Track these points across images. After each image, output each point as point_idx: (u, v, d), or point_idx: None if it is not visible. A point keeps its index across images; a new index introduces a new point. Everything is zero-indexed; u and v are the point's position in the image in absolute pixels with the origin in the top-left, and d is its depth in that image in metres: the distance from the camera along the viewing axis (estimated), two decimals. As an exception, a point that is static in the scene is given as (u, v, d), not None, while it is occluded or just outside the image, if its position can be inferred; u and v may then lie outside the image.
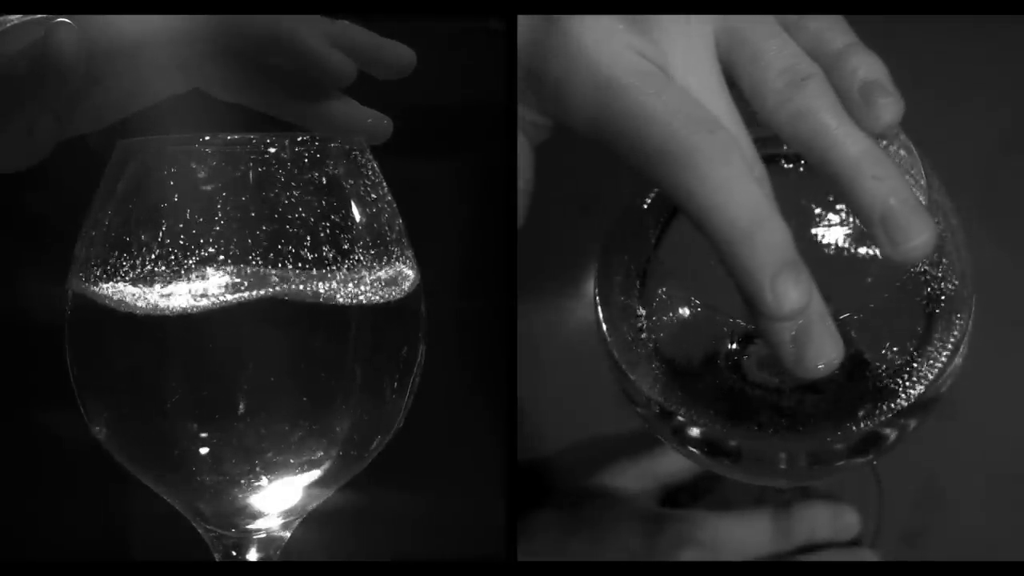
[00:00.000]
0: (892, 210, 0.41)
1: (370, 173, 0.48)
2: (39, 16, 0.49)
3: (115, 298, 0.45)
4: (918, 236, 0.41)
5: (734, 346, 0.47)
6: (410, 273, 0.49)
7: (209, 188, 0.45)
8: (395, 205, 0.49)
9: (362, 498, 0.56)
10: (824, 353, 0.40)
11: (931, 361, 0.47)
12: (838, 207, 0.52)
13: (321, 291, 0.45)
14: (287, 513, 0.48)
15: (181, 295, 0.45)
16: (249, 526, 0.48)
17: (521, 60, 0.44)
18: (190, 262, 0.45)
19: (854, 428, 0.47)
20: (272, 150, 0.46)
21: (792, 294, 0.39)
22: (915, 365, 0.47)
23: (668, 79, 0.42)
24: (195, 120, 0.51)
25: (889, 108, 0.42)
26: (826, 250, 0.53)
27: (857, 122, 0.42)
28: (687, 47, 0.43)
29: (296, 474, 0.47)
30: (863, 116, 0.42)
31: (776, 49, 0.43)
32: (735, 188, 0.39)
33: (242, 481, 0.46)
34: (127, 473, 0.49)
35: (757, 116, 0.43)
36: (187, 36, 0.48)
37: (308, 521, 0.50)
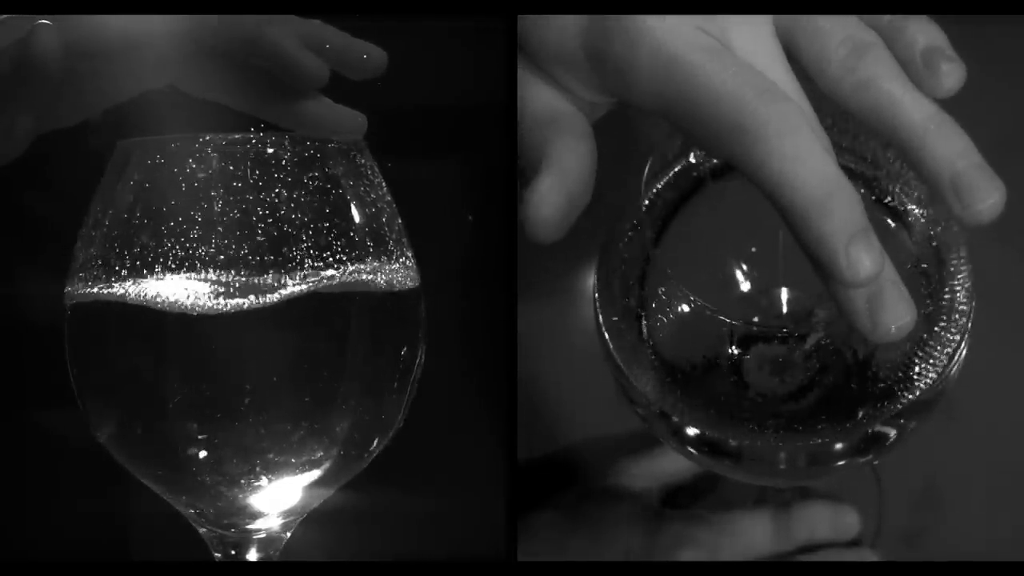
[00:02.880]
0: (961, 173, 0.41)
1: (370, 173, 0.48)
2: (17, 16, 0.49)
3: (114, 298, 0.45)
4: (988, 198, 0.41)
5: (734, 347, 0.47)
6: (410, 273, 0.49)
7: (209, 188, 0.45)
8: (395, 205, 0.49)
9: (362, 498, 0.56)
10: (898, 316, 0.40)
11: (931, 361, 0.47)
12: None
13: (320, 292, 0.45)
14: (287, 513, 0.48)
15: (180, 295, 0.45)
16: (249, 526, 0.48)
17: (581, 40, 0.44)
18: (189, 262, 0.45)
19: (854, 428, 0.47)
20: (272, 150, 0.46)
21: (866, 260, 0.39)
22: (915, 365, 0.47)
23: (732, 54, 0.42)
24: (195, 121, 0.51)
25: (952, 73, 0.43)
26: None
27: (920, 88, 0.43)
28: (746, 22, 0.43)
29: (296, 474, 0.47)
30: (926, 82, 0.43)
31: (834, 20, 0.43)
32: (807, 158, 0.40)
33: (242, 481, 0.46)
34: (127, 473, 0.49)
35: (820, 88, 0.44)
36: (165, 35, 0.48)
37: (308, 521, 0.50)
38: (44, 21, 0.46)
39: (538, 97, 0.46)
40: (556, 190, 0.43)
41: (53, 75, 0.46)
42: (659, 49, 0.42)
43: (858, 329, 0.41)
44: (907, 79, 0.43)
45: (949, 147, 0.42)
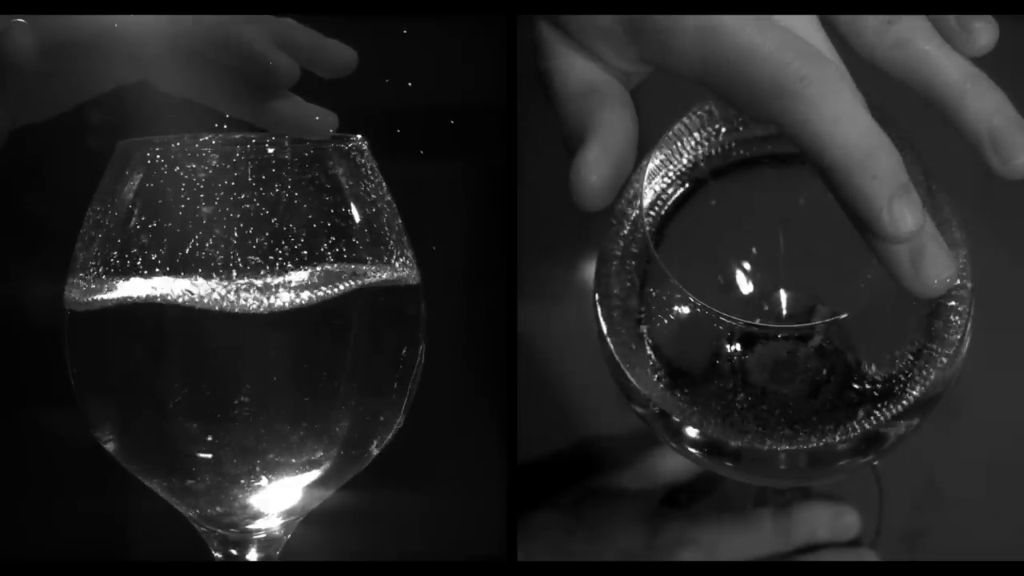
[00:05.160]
0: (999, 128, 0.42)
1: (370, 173, 0.48)
2: None
3: (114, 298, 0.46)
4: None
5: (734, 347, 0.47)
6: (410, 273, 0.49)
7: (209, 188, 0.45)
8: (395, 205, 0.49)
9: (362, 498, 0.56)
10: (940, 269, 0.41)
11: (931, 361, 0.47)
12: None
13: (320, 291, 0.45)
14: (287, 513, 0.48)
15: (180, 295, 0.45)
16: (249, 526, 0.48)
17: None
18: (189, 262, 0.45)
19: (854, 428, 0.47)
20: (272, 150, 0.46)
21: (908, 216, 0.40)
22: (915, 365, 0.47)
23: (769, 18, 0.43)
24: (194, 121, 0.51)
25: (986, 32, 0.44)
26: (826, 250, 0.53)
27: (954, 47, 0.44)
28: None
29: (296, 474, 0.47)
30: (960, 41, 0.44)
31: None
32: (848, 115, 0.40)
33: (242, 481, 0.46)
34: (127, 473, 0.49)
35: (856, 52, 0.44)
36: (136, 32, 0.48)
37: (309, 521, 0.50)
38: (18, 19, 0.46)
39: (576, 68, 0.46)
40: (603, 158, 0.44)
41: (28, 73, 0.46)
42: (698, 16, 0.43)
43: (902, 284, 0.41)
44: (941, 39, 0.44)
45: (986, 103, 0.43)
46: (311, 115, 0.48)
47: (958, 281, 0.42)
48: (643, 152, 0.48)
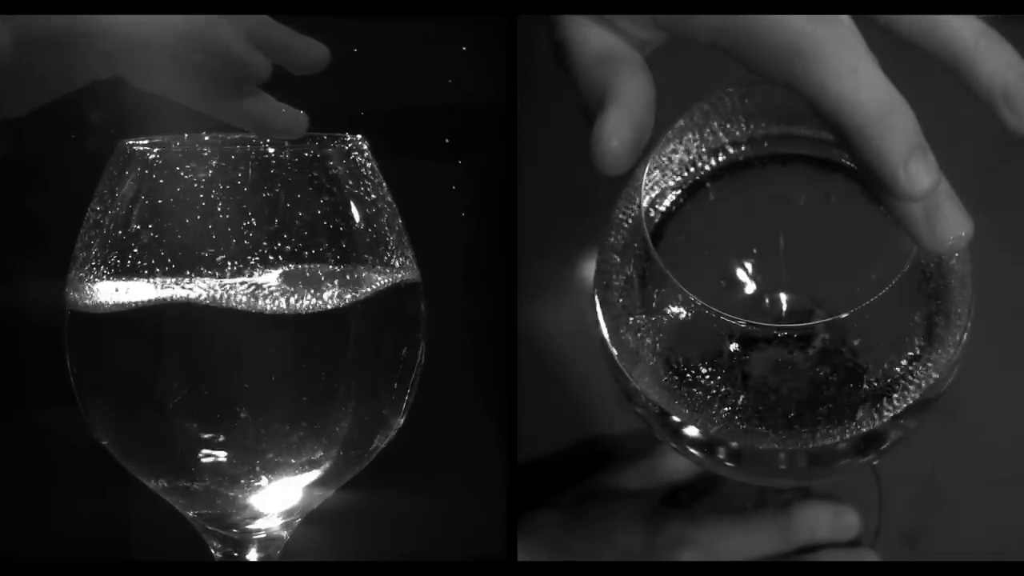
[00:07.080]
0: (1012, 85, 0.43)
1: (370, 173, 0.48)
2: None
3: (114, 298, 0.46)
4: None
5: (734, 347, 0.47)
6: (410, 273, 0.49)
7: (209, 188, 0.45)
8: (395, 205, 0.49)
9: (362, 498, 0.56)
10: (955, 227, 0.41)
11: (931, 361, 0.47)
12: (840, 205, 0.52)
13: (320, 292, 0.45)
14: (287, 513, 0.48)
15: (180, 295, 0.45)
16: (249, 526, 0.48)
17: None
18: (188, 262, 0.45)
19: (854, 428, 0.47)
20: (272, 150, 0.46)
21: (924, 176, 0.40)
22: (915, 365, 0.47)
23: None
24: (194, 121, 0.51)
25: None
26: (826, 250, 0.53)
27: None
28: None
29: (296, 474, 0.47)
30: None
31: None
32: (865, 75, 0.41)
33: (242, 481, 0.46)
34: (127, 473, 0.49)
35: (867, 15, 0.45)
36: (110, 27, 0.48)
37: (309, 521, 0.50)
38: None
39: (592, 37, 0.47)
40: (623, 122, 0.44)
41: (3, 69, 0.46)
42: None
43: (917, 240, 0.42)
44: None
45: (999, 60, 0.43)
46: (282, 114, 0.48)
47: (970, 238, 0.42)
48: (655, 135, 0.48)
